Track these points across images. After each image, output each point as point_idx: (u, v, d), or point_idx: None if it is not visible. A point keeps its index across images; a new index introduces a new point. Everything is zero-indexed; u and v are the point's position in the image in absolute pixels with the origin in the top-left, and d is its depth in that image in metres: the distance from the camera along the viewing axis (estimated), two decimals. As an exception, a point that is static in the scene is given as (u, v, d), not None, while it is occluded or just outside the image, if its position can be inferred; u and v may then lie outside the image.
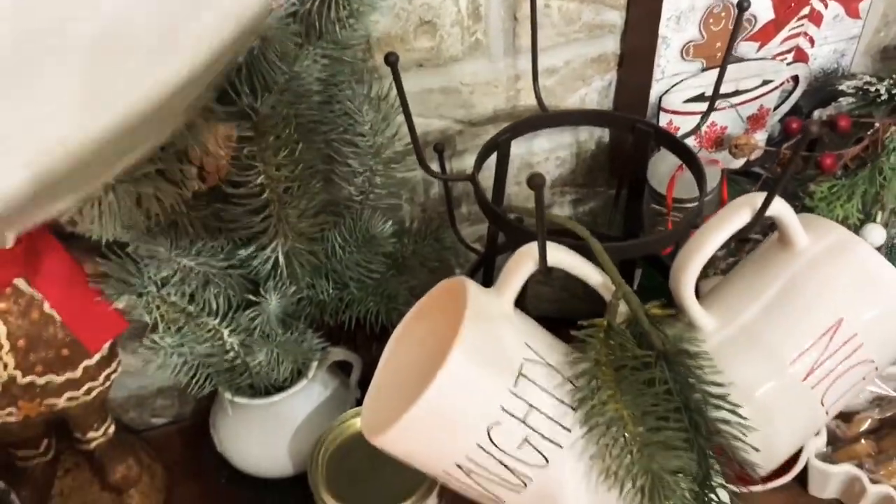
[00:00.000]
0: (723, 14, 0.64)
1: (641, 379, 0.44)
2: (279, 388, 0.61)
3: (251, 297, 0.55)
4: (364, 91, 0.56)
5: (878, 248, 0.64)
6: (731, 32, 0.56)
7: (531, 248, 0.47)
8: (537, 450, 0.44)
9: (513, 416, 0.44)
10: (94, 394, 0.61)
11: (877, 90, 0.64)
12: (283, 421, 0.63)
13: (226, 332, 0.57)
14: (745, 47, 0.67)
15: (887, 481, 0.64)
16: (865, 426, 0.68)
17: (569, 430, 0.45)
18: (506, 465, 0.45)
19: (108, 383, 0.62)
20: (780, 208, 0.48)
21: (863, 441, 0.67)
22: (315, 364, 0.62)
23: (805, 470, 0.66)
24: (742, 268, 0.53)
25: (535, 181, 0.40)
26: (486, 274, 0.68)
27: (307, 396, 0.64)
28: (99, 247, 0.55)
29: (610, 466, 0.44)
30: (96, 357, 0.59)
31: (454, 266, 0.75)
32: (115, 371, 0.62)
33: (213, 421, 0.66)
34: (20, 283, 0.54)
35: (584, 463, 0.45)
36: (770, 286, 0.50)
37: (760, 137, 0.74)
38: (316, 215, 0.52)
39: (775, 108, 0.72)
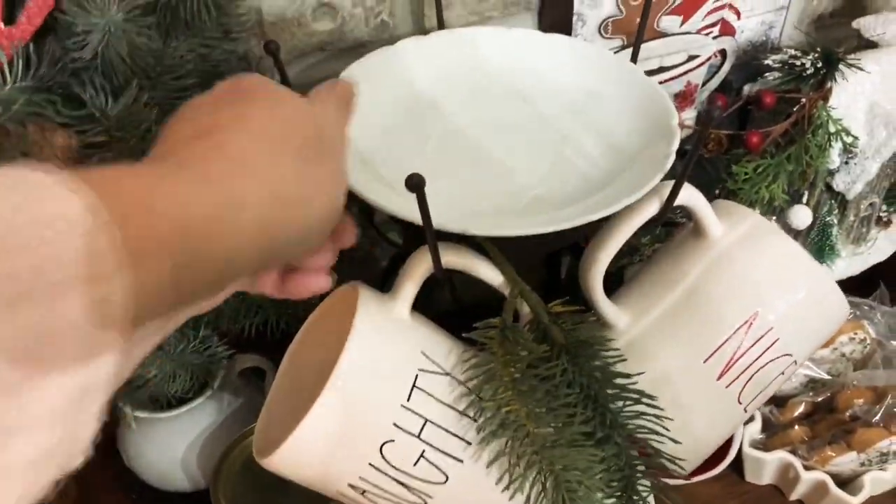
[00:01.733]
0: (641, -13, 0.61)
1: (541, 376, 0.41)
2: (182, 400, 0.58)
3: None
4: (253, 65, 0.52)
5: (806, 230, 0.61)
6: (643, 6, 0.53)
7: (424, 251, 0.43)
8: (435, 466, 0.42)
9: (407, 432, 0.41)
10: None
11: (802, 64, 0.61)
12: (189, 434, 0.59)
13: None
14: (667, 22, 0.64)
15: (821, 467, 0.62)
16: (799, 411, 0.66)
17: (468, 443, 0.42)
18: (403, 484, 0.42)
19: None
20: (690, 196, 0.45)
21: (796, 427, 0.65)
22: (221, 373, 0.58)
23: (741, 457, 0.64)
24: (656, 259, 0.50)
25: (414, 181, 0.37)
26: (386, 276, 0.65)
27: (215, 407, 0.60)
28: None
29: (512, 472, 0.41)
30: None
31: (378, 257, 0.72)
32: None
33: (119, 435, 0.63)
34: None
35: (486, 477, 0.42)
36: (683, 278, 0.47)
37: (689, 115, 0.71)
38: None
39: (703, 84, 0.69)
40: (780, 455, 0.63)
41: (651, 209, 0.45)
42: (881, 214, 0.70)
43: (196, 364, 0.55)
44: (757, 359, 0.45)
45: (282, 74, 0.48)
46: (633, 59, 0.55)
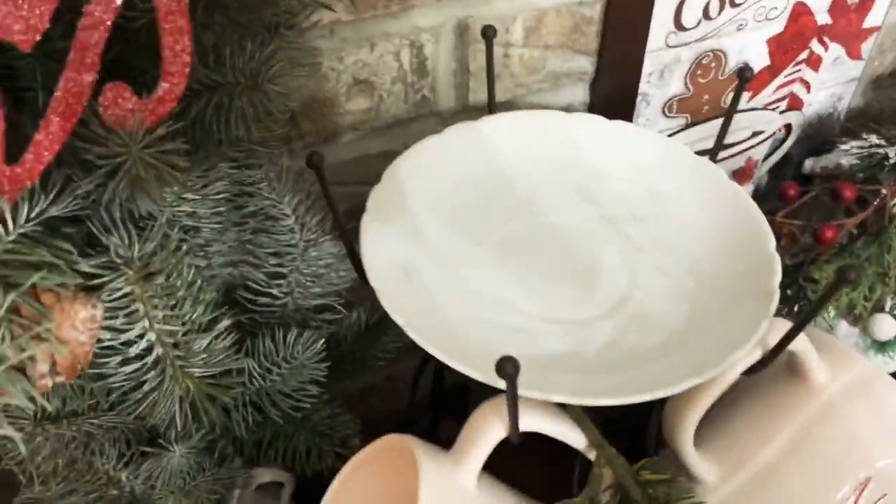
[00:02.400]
0: (712, 64, 0.54)
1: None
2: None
3: (148, 448, 0.44)
4: (283, 181, 0.45)
5: (890, 342, 0.56)
6: (731, 101, 0.46)
7: (497, 409, 0.37)
8: None
9: None
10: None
11: (885, 153, 0.55)
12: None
13: (124, 477, 0.46)
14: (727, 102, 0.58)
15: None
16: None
17: None
18: None
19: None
20: (801, 345, 0.40)
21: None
22: (237, 492, 0.52)
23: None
24: (746, 402, 0.44)
25: (506, 370, 0.30)
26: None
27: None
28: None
29: None
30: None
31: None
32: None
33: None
34: None
35: None
36: (781, 430, 0.41)
37: (745, 190, 0.65)
38: (223, 352, 0.41)
39: (764, 159, 0.64)
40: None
41: (751, 359, 0.39)
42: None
43: (215, 488, 0.49)
44: (868, 528, 0.40)
45: (324, 189, 0.41)
46: (713, 156, 0.49)
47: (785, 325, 0.39)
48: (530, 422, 0.37)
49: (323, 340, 0.46)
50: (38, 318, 0.29)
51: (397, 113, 0.53)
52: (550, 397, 0.36)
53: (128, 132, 0.31)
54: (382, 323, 0.55)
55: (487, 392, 0.38)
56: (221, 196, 0.41)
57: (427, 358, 0.58)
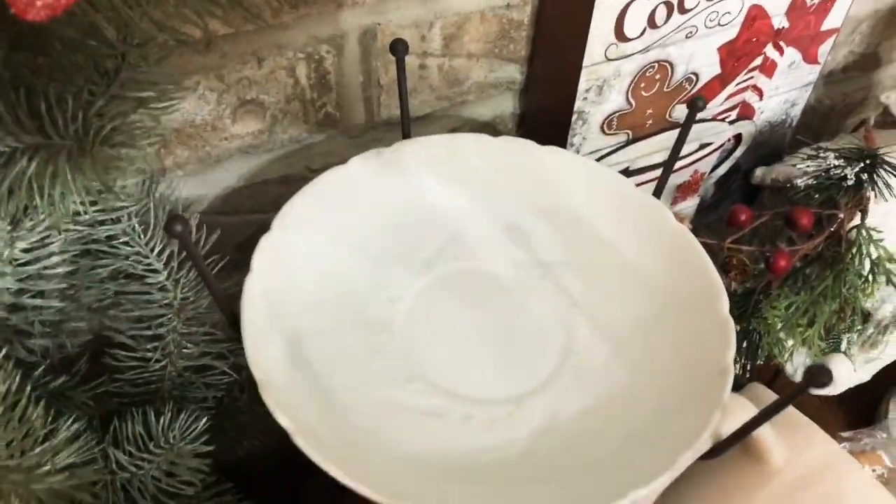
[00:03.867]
0: (657, 76, 0.48)
1: None
2: None
3: None
4: (151, 233, 0.37)
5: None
6: (680, 132, 0.40)
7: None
8: None
9: None
10: None
11: (843, 174, 0.50)
12: None
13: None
14: (680, 111, 0.51)
15: None
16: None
17: None
18: None
19: None
20: (764, 436, 0.34)
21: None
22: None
23: None
24: (699, 484, 0.39)
25: None
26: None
27: None
28: None
29: None
30: None
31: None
32: None
33: None
34: None
35: None
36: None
37: (689, 204, 0.59)
38: (77, 451, 0.34)
39: (711, 171, 0.58)
40: None
41: (702, 448, 0.34)
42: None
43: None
44: None
45: (193, 258, 0.33)
46: (661, 185, 0.43)
47: (743, 407, 0.34)
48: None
49: (206, 419, 0.39)
50: None
51: (296, 134, 0.45)
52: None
53: None
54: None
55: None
56: (64, 259, 0.34)
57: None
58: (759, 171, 0.59)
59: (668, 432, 0.33)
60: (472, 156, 0.44)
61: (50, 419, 0.32)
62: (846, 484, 0.36)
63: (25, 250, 0.32)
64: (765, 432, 0.36)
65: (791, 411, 0.39)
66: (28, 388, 0.31)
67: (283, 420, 0.31)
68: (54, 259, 0.33)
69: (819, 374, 0.29)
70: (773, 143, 0.59)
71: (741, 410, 0.34)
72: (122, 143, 0.27)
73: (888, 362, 0.64)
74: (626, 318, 0.39)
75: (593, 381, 0.37)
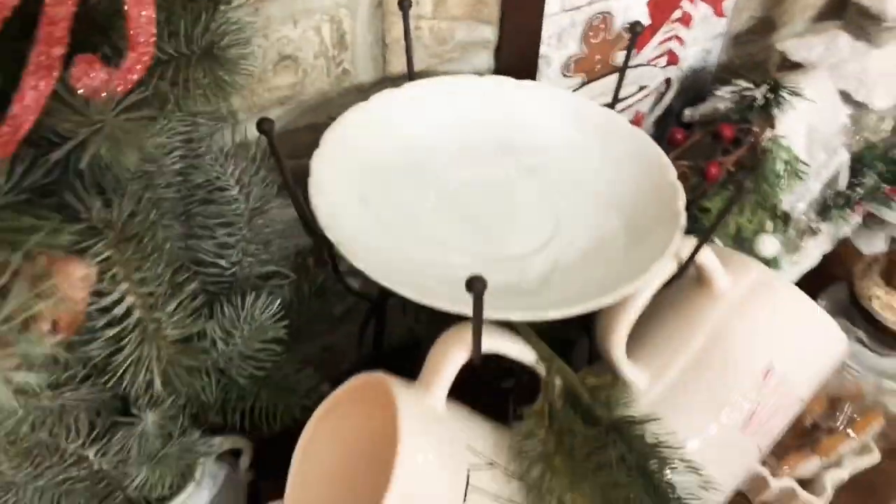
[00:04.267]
0: (602, 26, 0.60)
1: (598, 461, 0.41)
2: (162, 499, 0.53)
3: (120, 417, 0.46)
4: (226, 149, 0.47)
5: (772, 259, 0.64)
6: (626, 57, 0.52)
7: (461, 334, 0.41)
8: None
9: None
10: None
11: (753, 96, 0.63)
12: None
13: (92, 455, 0.47)
14: (621, 56, 0.64)
15: (788, 473, 0.66)
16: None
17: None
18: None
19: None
20: (706, 256, 0.46)
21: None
22: (202, 461, 0.54)
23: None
24: (664, 313, 0.50)
25: (475, 286, 0.35)
26: (378, 322, 0.62)
27: (198, 497, 0.55)
28: None
29: None
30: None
31: (336, 313, 0.68)
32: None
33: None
34: None
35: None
36: (696, 335, 0.48)
37: (637, 141, 0.72)
38: (190, 314, 0.43)
39: (650, 111, 0.71)
40: (749, 466, 0.66)
41: (668, 270, 0.45)
42: (811, 225, 0.74)
43: (182, 460, 0.50)
44: (774, 408, 0.47)
45: (273, 151, 0.44)
46: (612, 105, 0.55)
47: (693, 241, 0.46)
48: (489, 343, 0.41)
49: (279, 300, 0.48)
50: (41, 278, 0.30)
51: (321, 87, 0.56)
52: (508, 316, 0.40)
53: (103, 101, 0.33)
54: (327, 289, 0.58)
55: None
56: (176, 166, 0.44)
57: (369, 319, 0.62)
58: (688, 111, 0.72)
59: (643, 256, 0.44)
60: (467, 91, 0.55)
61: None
62: (779, 297, 0.48)
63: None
64: (713, 263, 0.47)
65: (730, 251, 0.51)
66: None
67: (361, 265, 0.41)
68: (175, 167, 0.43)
69: (745, 183, 0.40)
70: (697, 87, 0.72)
71: (694, 243, 0.46)
72: (235, 51, 0.38)
73: (809, 267, 0.77)
74: (601, 197, 0.51)
75: (581, 237, 0.48)
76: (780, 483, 0.66)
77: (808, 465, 0.66)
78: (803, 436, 0.67)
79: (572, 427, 0.41)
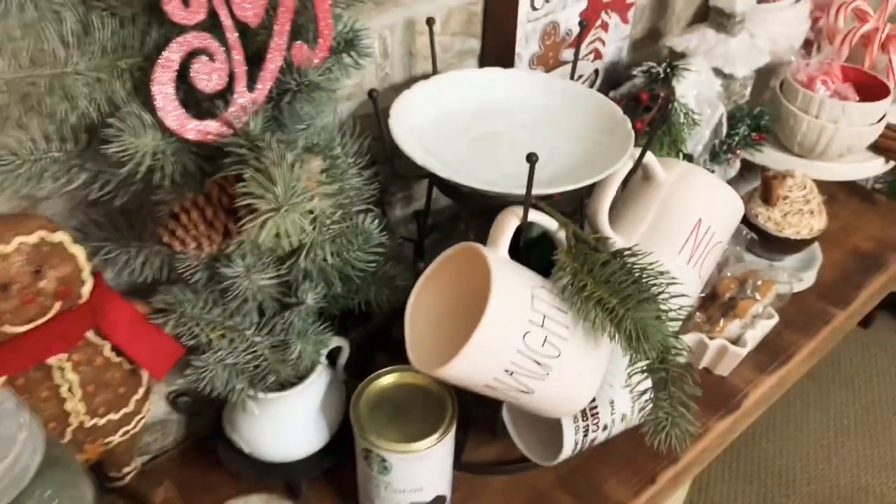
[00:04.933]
0: (551, 31, 0.88)
1: (608, 271, 0.65)
2: (293, 383, 0.73)
3: (287, 299, 0.67)
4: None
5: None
6: (576, 47, 0.79)
7: (512, 210, 0.66)
8: (553, 345, 0.64)
9: (536, 325, 0.63)
10: (140, 425, 0.69)
11: (657, 71, 0.92)
12: (307, 405, 0.75)
13: (259, 340, 0.68)
14: (565, 54, 0.92)
15: (719, 335, 0.93)
16: (695, 304, 0.96)
17: (567, 327, 0.65)
18: (536, 361, 0.63)
19: (147, 414, 0.70)
20: (648, 157, 0.73)
21: (697, 315, 0.95)
22: (324, 352, 0.75)
23: (666, 345, 0.92)
24: (624, 199, 0.77)
25: (532, 158, 0.60)
26: (417, 255, 0.85)
27: (319, 383, 0.76)
28: (150, 290, 0.64)
29: (601, 328, 0.64)
30: (141, 390, 0.68)
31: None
32: (149, 403, 0.70)
33: (235, 428, 0.76)
34: (88, 334, 0.61)
35: (584, 344, 0.65)
36: (650, 210, 0.74)
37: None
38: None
39: (586, 95, 0.98)
40: (692, 335, 0.92)
41: (628, 167, 0.72)
42: (706, 167, 1.03)
43: (319, 345, 0.72)
44: (706, 247, 0.73)
45: (376, 111, 0.68)
46: (572, 77, 0.82)
47: (638, 150, 0.72)
48: (531, 214, 0.66)
49: (377, 220, 0.71)
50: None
51: (371, 84, 0.81)
52: (541, 191, 0.65)
53: (310, 67, 0.57)
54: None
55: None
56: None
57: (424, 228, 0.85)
58: (611, 93, 1.00)
59: (611, 159, 0.70)
60: (472, 77, 0.81)
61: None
62: (697, 178, 0.75)
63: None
64: (654, 162, 0.74)
65: (665, 158, 0.78)
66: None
67: (443, 174, 0.66)
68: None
69: (669, 96, 0.67)
70: (616, 76, 1.01)
71: (637, 150, 0.72)
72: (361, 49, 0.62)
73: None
74: (578, 133, 0.77)
75: (567, 155, 0.74)
76: (715, 343, 0.92)
77: (732, 327, 0.93)
78: (726, 307, 0.94)
79: (587, 257, 0.66)
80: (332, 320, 0.75)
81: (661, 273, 0.65)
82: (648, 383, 0.66)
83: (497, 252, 0.65)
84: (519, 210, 0.65)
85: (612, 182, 0.71)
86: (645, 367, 0.66)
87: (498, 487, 0.83)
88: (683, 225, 0.73)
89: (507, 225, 0.66)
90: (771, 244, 1.04)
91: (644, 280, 0.65)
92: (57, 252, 0.56)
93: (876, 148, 1.10)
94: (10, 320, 0.55)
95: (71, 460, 0.56)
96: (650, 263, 0.66)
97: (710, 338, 0.92)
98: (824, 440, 2.25)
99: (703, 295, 0.96)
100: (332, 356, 0.80)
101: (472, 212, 0.69)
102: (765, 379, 0.97)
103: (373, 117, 0.72)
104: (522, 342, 0.62)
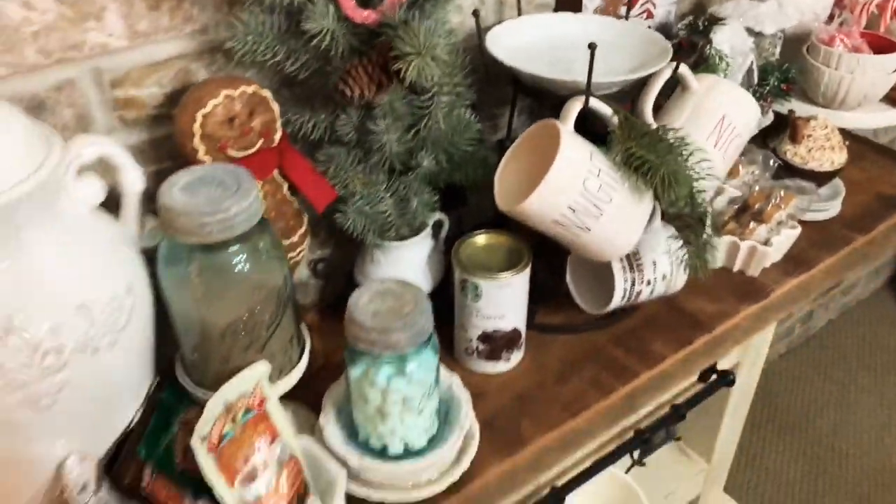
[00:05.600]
0: (613, -10, 1.12)
1: (650, 140, 0.87)
2: (418, 228, 0.97)
3: (409, 162, 0.92)
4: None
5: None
6: (628, 4, 1.03)
7: (579, 98, 0.89)
8: (606, 192, 0.86)
9: (593, 174, 0.85)
10: (300, 256, 0.94)
11: (697, 24, 1.14)
12: (419, 255, 0.99)
13: (387, 196, 0.93)
14: (622, 10, 1.15)
15: (749, 238, 1.13)
16: (729, 215, 1.16)
17: (617, 181, 0.87)
18: (594, 204, 0.86)
19: (304, 250, 0.95)
20: (683, 68, 0.95)
21: (730, 223, 1.15)
22: (432, 216, 0.99)
23: (704, 247, 1.13)
24: (667, 108, 0.99)
25: (592, 46, 0.83)
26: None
27: (424, 243, 1.00)
28: (317, 146, 0.90)
29: (643, 183, 0.86)
30: (302, 229, 0.93)
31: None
32: (306, 242, 0.95)
33: (365, 276, 1.00)
34: (274, 172, 0.87)
35: (628, 199, 0.87)
36: (684, 110, 0.97)
37: (634, 66, 1.23)
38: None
39: (640, 48, 1.21)
40: (726, 239, 1.13)
41: (668, 72, 0.94)
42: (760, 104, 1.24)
43: (428, 206, 0.96)
44: (728, 137, 0.95)
45: (479, 30, 0.92)
46: (626, 17, 1.06)
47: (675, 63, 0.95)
48: (591, 102, 0.89)
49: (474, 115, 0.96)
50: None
51: (469, 26, 1.06)
52: (601, 79, 0.88)
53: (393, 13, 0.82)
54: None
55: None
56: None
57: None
58: (662, 48, 1.23)
59: (656, 59, 0.94)
60: (550, 19, 1.06)
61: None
62: (723, 86, 0.97)
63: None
64: (688, 73, 0.96)
65: (701, 74, 1.00)
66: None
67: (524, 66, 0.90)
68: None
69: (683, 43, 0.90)
70: (665, 32, 1.24)
71: (670, 69, 0.95)
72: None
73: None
74: (632, 53, 1.00)
75: (622, 65, 0.97)
76: (746, 244, 1.12)
77: (760, 231, 1.13)
78: (755, 215, 1.15)
79: (634, 131, 0.88)
80: (438, 195, 0.99)
81: (691, 143, 0.88)
82: (682, 252, 0.88)
83: (566, 125, 0.88)
84: (582, 98, 0.89)
85: (656, 82, 0.94)
86: (675, 213, 0.88)
87: (562, 344, 1.05)
88: (711, 119, 0.95)
89: (573, 108, 0.89)
90: (797, 176, 1.24)
91: (678, 147, 0.88)
92: (263, 103, 0.82)
93: (891, 101, 1.30)
94: (232, 145, 0.80)
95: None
96: (683, 137, 0.88)
97: (742, 240, 1.13)
98: (877, 422, 2.36)
99: (737, 206, 1.17)
100: (435, 230, 1.04)
101: (551, 106, 0.93)
102: (789, 280, 1.16)
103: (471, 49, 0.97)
104: (583, 186, 0.85)
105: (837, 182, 1.28)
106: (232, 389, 0.72)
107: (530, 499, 1.21)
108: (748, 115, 0.99)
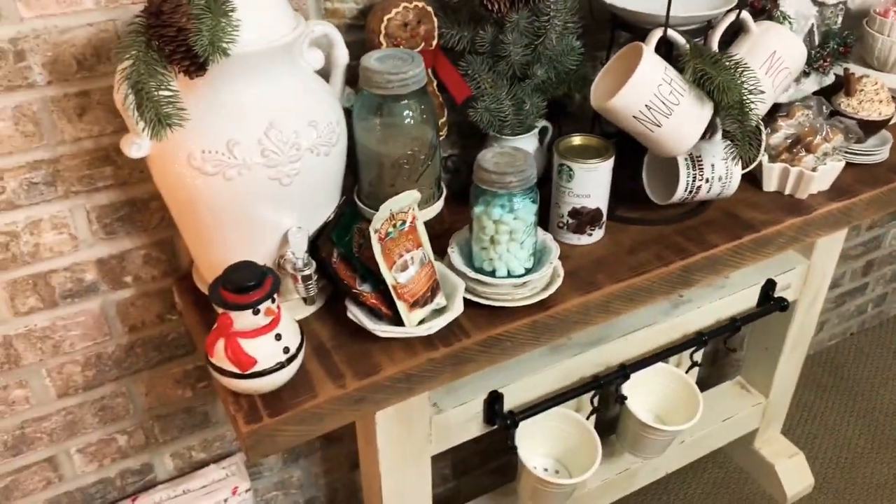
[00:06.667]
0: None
1: (713, 60, 1.15)
2: (530, 127, 1.28)
3: (526, 71, 1.22)
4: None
5: (779, 52, 1.40)
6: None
7: (659, 30, 1.18)
8: (675, 96, 1.14)
9: (666, 81, 1.14)
10: (440, 138, 1.26)
11: (767, -11, 1.41)
12: (529, 149, 1.29)
13: (507, 99, 1.24)
14: (706, -23, 1.43)
15: (798, 164, 1.38)
16: (784, 147, 1.41)
17: (685, 89, 1.15)
18: (664, 103, 1.14)
19: (443, 131, 1.27)
20: (744, 14, 1.23)
21: (784, 154, 1.40)
22: (539, 123, 1.30)
23: (759, 172, 1.39)
24: (731, 44, 1.26)
25: (671, -14, 1.12)
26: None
27: (531, 140, 1.31)
28: (460, 55, 1.22)
29: (705, 91, 1.14)
30: (442, 120, 1.25)
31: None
32: (444, 129, 1.27)
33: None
34: (428, 70, 1.20)
35: (693, 103, 1.15)
36: (743, 47, 1.24)
37: (714, 26, 1.50)
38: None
39: (719, 10, 1.49)
40: (778, 165, 1.38)
41: (733, 16, 1.22)
42: (821, 63, 1.48)
43: (538, 110, 1.27)
44: (778, 68, 1.22)
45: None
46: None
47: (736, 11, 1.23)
48: (669, 33, 1.18)
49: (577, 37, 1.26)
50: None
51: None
52: (681, 13, 1.17)
53: None
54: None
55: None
56: None
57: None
58: (738, 12, 1.49)
59: (724, 5, 1.22)
60: None
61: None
62: (776, 30, 1.24)
63: None
64: (748, 19, 1.24)
65: (761, 21, 1.27)
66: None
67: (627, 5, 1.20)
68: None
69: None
70: (742, 1, 1.50)
71: (734, 14, 1.23)
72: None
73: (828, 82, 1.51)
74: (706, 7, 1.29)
75: (698, 4, 1.26)
76: (795, 169, 1.37)
77: (808, 159, 1.38)
78: (806, 146, 1.39)
79: (700, 54, 1.16)
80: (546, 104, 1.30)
81: (745, 66, 1.16)
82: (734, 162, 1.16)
83: (648, 46, 1.18)
84: (661, 30, 1.18)
85: (722, 22, 1.22)
86: (728, 116, 1.15)
87: (636, 232, 1.33)
88: (765, 52, 1.22)
89: (655, 34, 1.18)
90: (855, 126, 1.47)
91: (734, 66, 1.15)
92: (426, 15, 1.15)
93: (939, 67, 1.52)
94: (404, 44, 1.14)
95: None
96: (738, 61, 1.16)
97: (792, 166, 1.38)
98: (940, 397, 2.48)
99: (790, 140, 1.42)
100: (541, 136, 1.35)
101: (641, 41, 1.22)
102: (832, 205, 1.40)
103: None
104: (657, 89, 1.14)
105: (885, 133, 1.50)
106: (396, 203, 1.05)
107: (604, 373, 1.49)
108: (795, 54, 1.25)
